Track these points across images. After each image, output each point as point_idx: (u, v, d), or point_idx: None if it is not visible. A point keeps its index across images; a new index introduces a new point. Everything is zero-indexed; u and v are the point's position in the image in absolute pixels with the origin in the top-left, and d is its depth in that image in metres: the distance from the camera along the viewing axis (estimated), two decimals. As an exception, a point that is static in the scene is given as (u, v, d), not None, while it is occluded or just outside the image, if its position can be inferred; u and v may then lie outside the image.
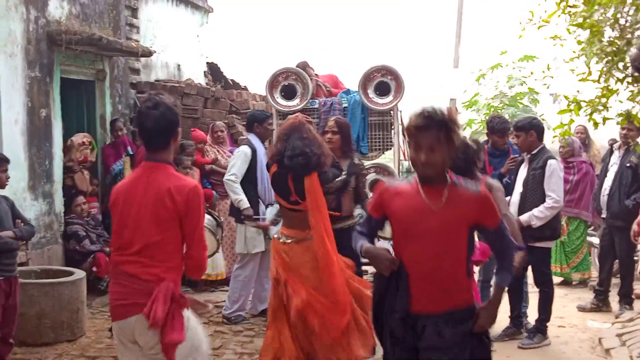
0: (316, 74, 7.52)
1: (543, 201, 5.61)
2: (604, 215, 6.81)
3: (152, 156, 3.33)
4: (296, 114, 5.14)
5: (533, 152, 5.74)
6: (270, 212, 6.22)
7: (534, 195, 5.67)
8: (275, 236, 4.73)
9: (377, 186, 3.30)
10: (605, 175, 6.82)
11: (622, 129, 6.57)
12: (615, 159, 6.78)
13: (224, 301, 6.51)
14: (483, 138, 7.42)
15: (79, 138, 7.59)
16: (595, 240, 7.48)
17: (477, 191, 3.03)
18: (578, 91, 5.55)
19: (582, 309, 6.87)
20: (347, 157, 5.15)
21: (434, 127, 2.95)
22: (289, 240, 4.59)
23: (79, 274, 6.06)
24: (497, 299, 3.16)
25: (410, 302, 3.05)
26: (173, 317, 3.16)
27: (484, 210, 3.02)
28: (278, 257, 4.63)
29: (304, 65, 7.43)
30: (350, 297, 4.47)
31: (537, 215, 5.57)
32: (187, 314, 3.30)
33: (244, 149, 6.20)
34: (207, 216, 5.04)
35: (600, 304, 6.81)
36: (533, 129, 5.72)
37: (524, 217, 5.59)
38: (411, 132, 3.01)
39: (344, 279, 4.48)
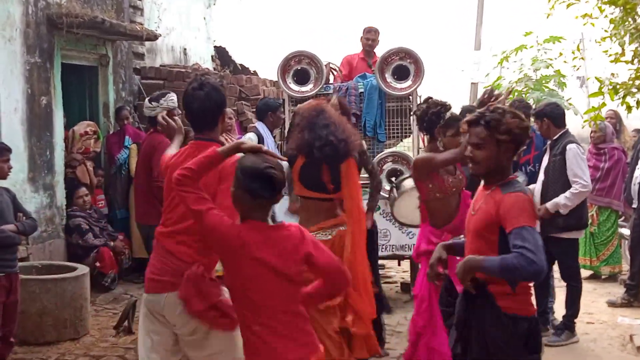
0: None
1: (565, 189, 5.41)
2: (634, 206, 6.61)
3: (200, 135, 3.41)
4: (309, 100, 4.87)
5: (554, 138, 5.59)
6: (279, 205, 5.97)
7: (555, 183, 5.49)
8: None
9: None
10: (637, 163, 6.61)
11: None
12: (646, 146, 6.57)
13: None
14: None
15: (81, 127, 7.41)
16: (627, 232, 7.27)
17: (508, 192, 2.98)
18: (613, 74, 5.28)
19: (612, 304, 6.68)
20: None
21: (481, 124, 3.03)
22: (334, 232, 4.27)
23: (82, 269, 5.94)
24: (471, 261, 2.92)
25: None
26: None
27: (503, 211, 2.93)
28: None
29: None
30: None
31: (564, 202, 5.37)
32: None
33: (250, 136, 6.07)
34: None
35: (632, 299, 6.62)
36: (546, 116, 5.58)
37: (549, 204, 5.41)
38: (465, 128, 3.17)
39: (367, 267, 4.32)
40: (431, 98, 4.51)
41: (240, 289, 2.81)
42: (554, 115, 5.58)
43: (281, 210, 5.95)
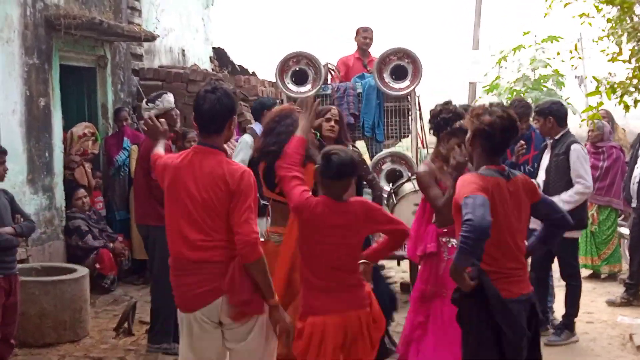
0: None
1: (567, 189, 5.40)
2: (634, 205, 6.59)
3: (205, 140, 3.42)
4: (283, 104, 4.89)
5: (556, 138, 5.56)
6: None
7: (557, 182, 5.47)
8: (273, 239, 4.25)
9: None
10: (636, 162, 6.59)
11: None
12: (646, 145, 6.56)
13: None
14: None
15: (79, 129, 7.38)
16: (626, 231, 7.25)
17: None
18: (610, 73, 5.27)
19: (611, 303, 6.65)
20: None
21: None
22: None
23: (82, 271, 5.92)
24: (450, 272, 3.18)
25: None
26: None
27: (457, 191, 3.21)
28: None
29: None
30: None
31: (566, 200, 5.33)
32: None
33: (246, 138, 5.97)
34: None
35: (631, 298, 6.59)
36: (552, 114, 5.54)
37: None
38: None
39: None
40: (450, 102, 4.42)
41: (309, 251, 3.37)
42: (559, 115, 5.55)
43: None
